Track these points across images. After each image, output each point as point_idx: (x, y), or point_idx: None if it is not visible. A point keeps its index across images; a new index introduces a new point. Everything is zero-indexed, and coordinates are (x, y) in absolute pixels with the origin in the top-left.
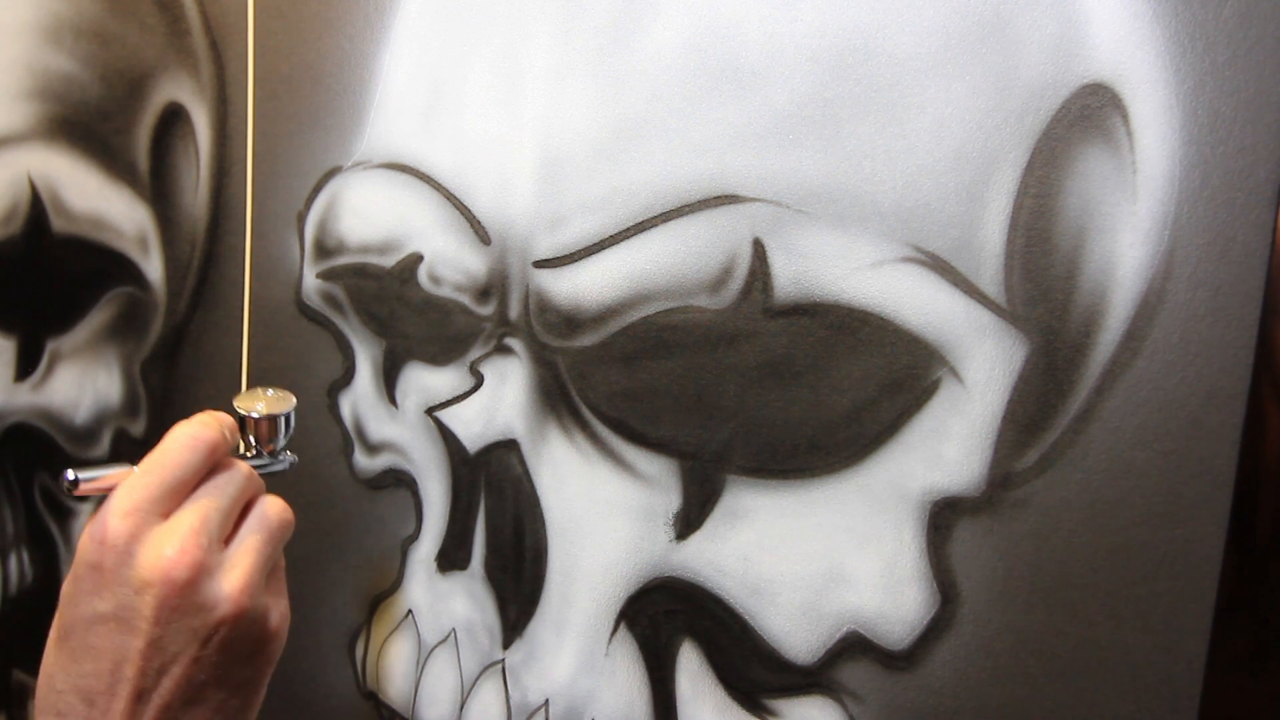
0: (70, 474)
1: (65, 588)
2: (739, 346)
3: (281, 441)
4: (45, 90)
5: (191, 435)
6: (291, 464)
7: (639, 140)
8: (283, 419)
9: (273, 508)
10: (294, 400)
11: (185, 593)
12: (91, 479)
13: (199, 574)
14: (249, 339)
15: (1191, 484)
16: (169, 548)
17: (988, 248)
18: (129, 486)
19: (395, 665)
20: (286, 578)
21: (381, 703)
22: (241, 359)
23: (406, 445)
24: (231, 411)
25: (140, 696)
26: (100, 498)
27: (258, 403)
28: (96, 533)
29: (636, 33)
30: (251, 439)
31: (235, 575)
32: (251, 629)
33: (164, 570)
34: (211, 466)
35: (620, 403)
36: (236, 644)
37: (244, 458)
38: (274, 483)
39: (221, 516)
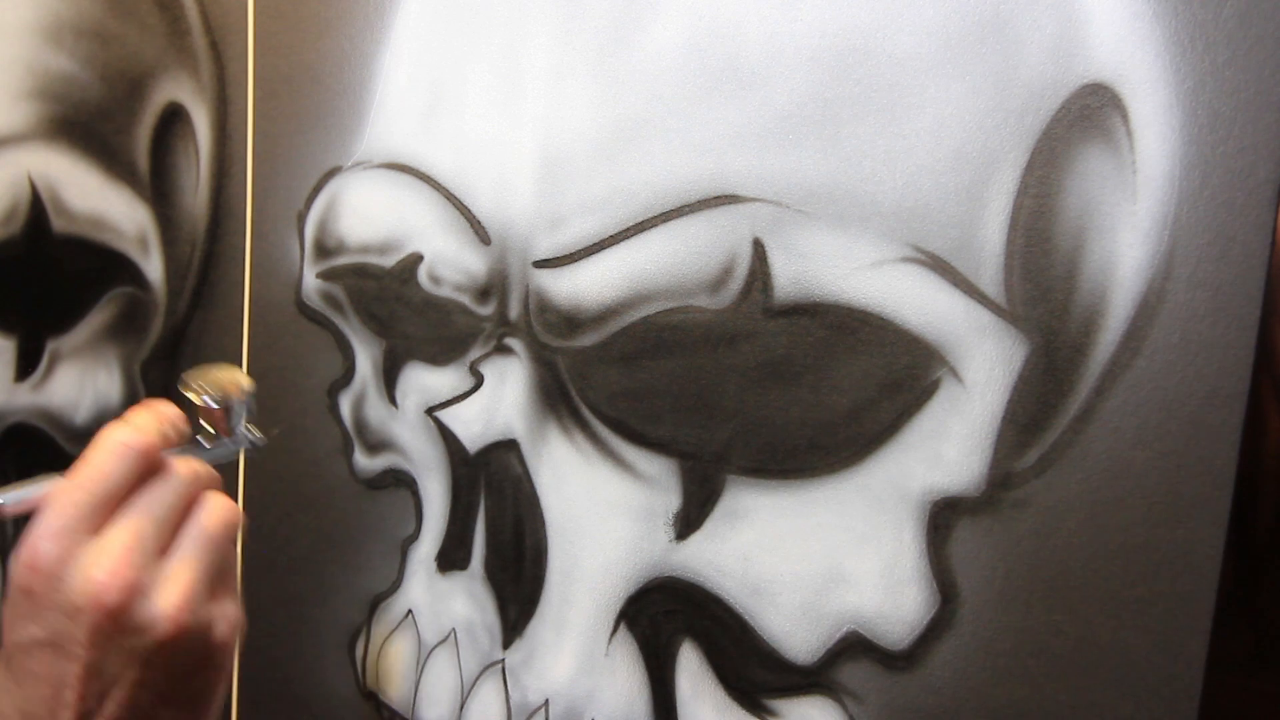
0: None
1: (5, 612)
2: (739, 346)
3: (236, 423)
4: (45, 90)
5: (120, 442)
6: (253, 443)
7: (639, 140)
8: (236, 402)
9: (214, 511)
10: (246, 380)
11: (119, 616)
12: (18, 499)
13: (132, 596)
14: (249, 339)
15: (1191, 484)
16: (99, 570)
17: (988, 248)
18: (57, 505)
19: (395, 665)
20: (285, 577)
21: (381, 703)
22: (241, 359)
23: (406, 445)
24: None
25: None
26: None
27: (204, 384)
28: (25, 556)
29: (636, 33)
30: (203, 423)
31: (172, 591)
32: (194, 644)
33: (95, 595)
34: (146, 472)
35: (620, 403)
36: (180, 661)
37: (197, 443)
38: (272, 481)
39: (157, 527)
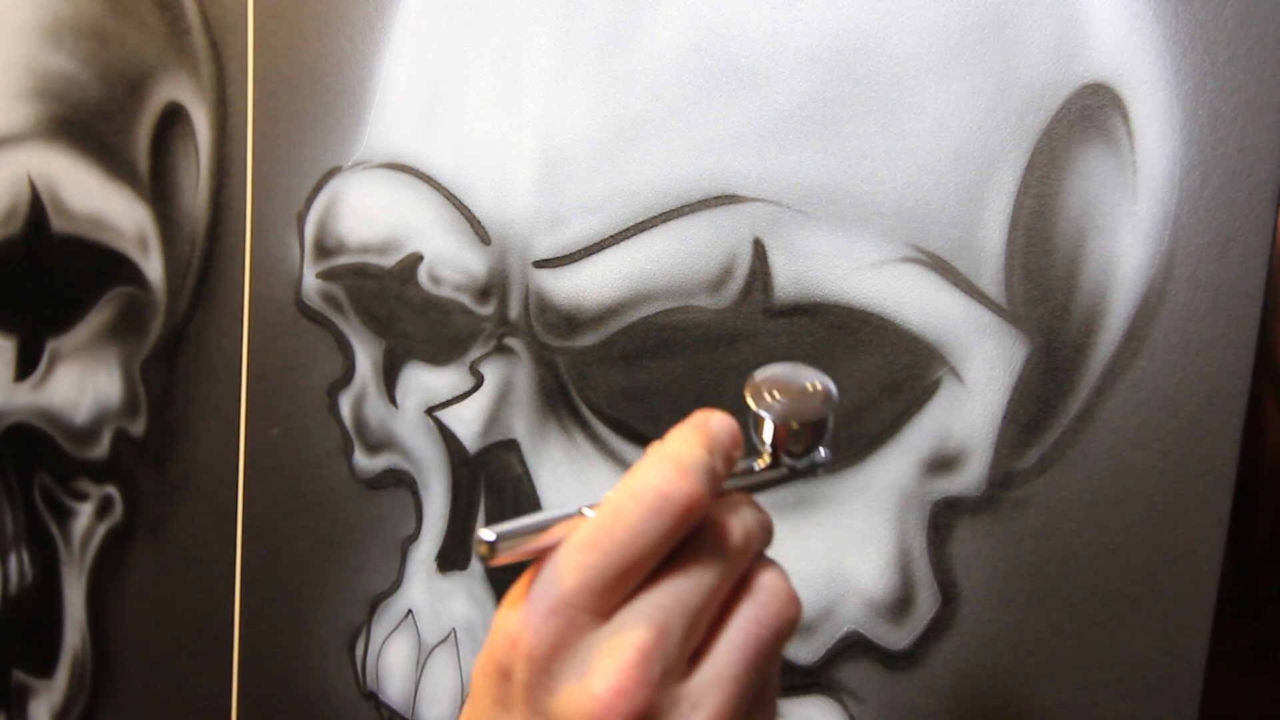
0: (489, 533)
1: (474, 675)
2: (739, 346)
3: (818, 443)
4: (45, 90)
5: (659, 492)
6: (824, 465)
7: (639, 140)
8: (829, 419)
9: (768, 603)
10: (831, 385)
11: None
12: (512, 541)
13: None
14: (249, 339)
15: (1191, 484)
16: (600, 680)
17: (988, 248)
18: (563, 564)
19: (395, 665)
20: (286, 578)
21: (381, 703)
22: (241, 359)
23: (406, 445)
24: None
25: None
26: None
27: (777, 396)
28: (510, 628)
29: (636, 33)
30: (767, 441)
31: None
32: None
33: (590, 717)
34: (685, 531)
35: (620, 403)
36: None
37: (750, 470)
38: (272, 481)
39: (688, 622)
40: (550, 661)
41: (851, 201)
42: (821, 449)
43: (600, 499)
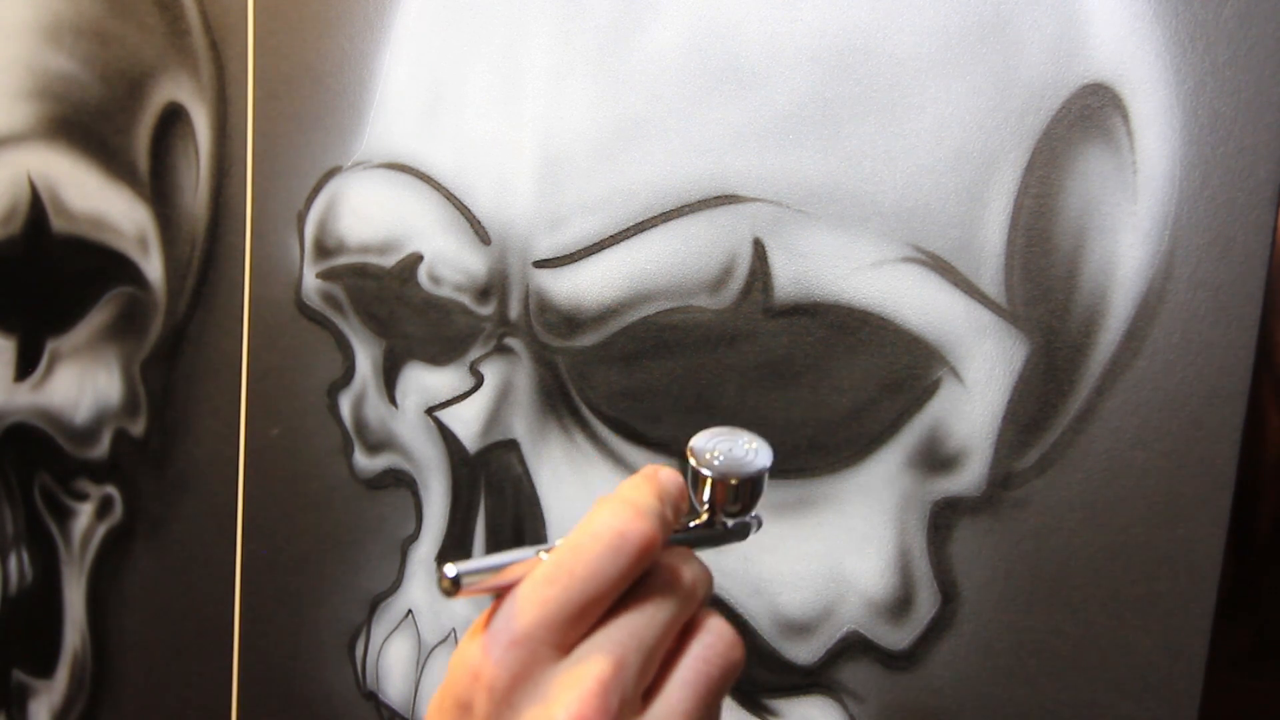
0: (451, 569)
1: (430, 712)
2: (739, 346)
3: (755, 500)
4: (45, 90)
5: (616, 531)
6: (755, 529)
7: (639, 140)
8: (764, 479)
9: (715, 645)
10: (767, 448)
11: None
12: (475, 578)
13: None
14: (249, 339)
15: (1191, 484)
16: (561, 710)
17: (988, 248)
18: (523, 600)
19: (395, 665)
20: (286, 578)
21: (381, 703)
22: (241, 359)
23: (406, 445)
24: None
25: None
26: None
27: (717, 455)
28: (471, 661)
29: (636, 33)
30: (705, 499)
31: None
32: None
33: None
34: (639, 573)
35: (620, 403)
36: None
37: (685, 527)
38: (272, 481)
39: (644, 656)
40: (511, 693)
41: (851, 201)
42: (754, 513)
43: (556, 543)
